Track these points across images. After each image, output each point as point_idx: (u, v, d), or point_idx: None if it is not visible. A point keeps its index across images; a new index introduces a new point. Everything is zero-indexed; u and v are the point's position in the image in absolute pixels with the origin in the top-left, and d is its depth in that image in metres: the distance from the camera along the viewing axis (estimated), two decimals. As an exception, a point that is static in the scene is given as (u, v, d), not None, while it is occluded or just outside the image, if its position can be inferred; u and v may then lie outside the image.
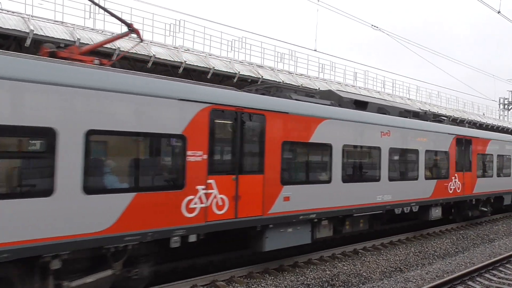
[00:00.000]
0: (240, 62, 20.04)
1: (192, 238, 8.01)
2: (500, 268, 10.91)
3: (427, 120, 15.30)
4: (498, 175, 18.92)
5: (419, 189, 13.86)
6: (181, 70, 16.95)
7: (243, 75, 19.00)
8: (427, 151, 14.22)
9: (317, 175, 10.68)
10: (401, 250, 12.79)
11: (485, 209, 17.79)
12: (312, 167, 10.64)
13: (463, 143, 16.23)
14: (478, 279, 9.94)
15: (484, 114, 42.98)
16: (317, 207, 10.37)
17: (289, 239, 9.96)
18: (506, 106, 51.71)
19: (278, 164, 9.56)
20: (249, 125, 9.08)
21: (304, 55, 24.25)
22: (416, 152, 13.78)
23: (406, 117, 14.09)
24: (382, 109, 13.33)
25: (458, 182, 15.77)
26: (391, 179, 12.64)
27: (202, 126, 8.13)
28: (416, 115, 14.97)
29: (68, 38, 14.37)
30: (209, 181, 8.18)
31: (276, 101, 9.81)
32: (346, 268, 10.62)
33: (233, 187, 8.59)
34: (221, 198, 8.35)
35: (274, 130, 9.50)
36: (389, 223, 15.75)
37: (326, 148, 10.75)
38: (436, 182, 14.61)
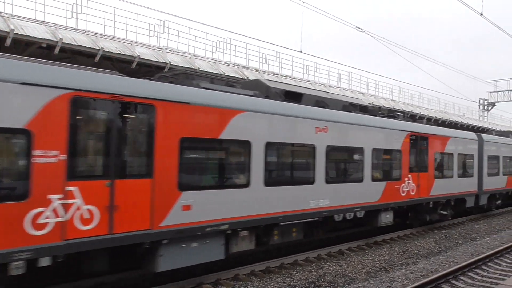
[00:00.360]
0: (226, 63, 19.99)
1: (45, 261, 6.39)
2: (483, 267, 11.09)
3: (376, 115, 13.98)
4: (460, 176, 17.56)
5: (365, 192, 12.49)
6: (166, 70, 16.81)
7: (229, 76, 18.95)
8: (374, 149, 12.81)
9: (230, 178, 8.97)
10: (385, 250, 12.90)
11: (445, 213, 16.59)
12: (223, 168, 8.91)
13: (418, 140, 14.93)
14: (462, 278, 10.08)
15: (464, 115, 43.78)
16: (230, 216, 8.80)
17: (194, 256, 8.43)
18: (485, 107, 52.76)
19: (175, 166, 7.90)
20: (132, 118, 7.46)
21: (289, 56, 24.35)
22: (361, 150, 12.36)
23: (351, 111, 12.66)
24: (321, 102, 11.86)
25: (412, 184, 14.49)
26: (329, 181, 11.22)
27: (59, 118, 6.44)
28: (364, 109, 13.53)
29: (50, 38, 14.11)
30: (69, 188, 6.53)
31: (172, 89, 8.10)
32: (332, 268, 10.67)
33: (107, 195, 6.94)
34: (88, 209, 6.73)
35: (169, 124, 7.84)
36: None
37: (243, 146, 9.13)
38: (386, 184, 13.27)
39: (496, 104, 52.53)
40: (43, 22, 14.86)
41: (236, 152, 9.22)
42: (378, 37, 19.29)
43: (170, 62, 16.79)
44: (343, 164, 12.01)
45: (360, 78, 29.69)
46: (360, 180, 12.34)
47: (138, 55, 15.85)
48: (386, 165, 13.51)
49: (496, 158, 21.12)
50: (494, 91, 51.73)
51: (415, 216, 15.93)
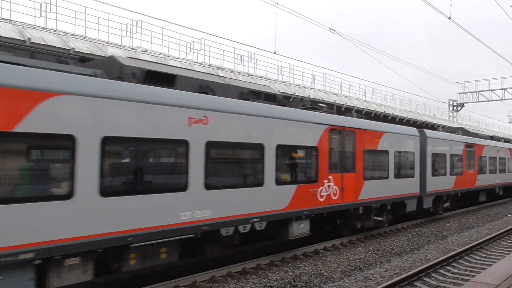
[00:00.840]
0: (200, 63, 19.85)
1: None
2: (454, 264, 11.35)
3: (286, 106, 11.60)
4: (397, 176, 15.44)
5: (267, 198, 10.15)
6: (138, 71, 16.52)
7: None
8: (280, 146, 10.52)
9: (37, 187, 6.44)
10: (360, 249, 13.05)
11: (380, 219, 14.65)
12: (24, 174, 6.36)
13: (342, 136, 12.77)
14: (433, 275, 10.29)
15: (435, 115, 44.92)
16: (39, 241, 6.33)
17: None
18: (455, 108, 54.23)
19: None
20: None
21: (263, 57, 24.44)
22: (260, 147, 9.97)
23: (249, 100, 10.39)
24: (206, 87, 9.55)
25: (335, 187, 12.30)
26: (210, 187, 8.83)
27: None
28: (270, 98, 11.23)
29: (17, 38, 13.67)
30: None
31: None
32: (307, 268, 10.71)
33: None
34: None
35: None
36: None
37: (61, 143, 6.72)
38: (297, 188, 10.99)
39: (465, 105, 54.08)
40: (10, 21, 14.40)
41: (48, 152, 6.88)
42: (351, 39, 19.53)
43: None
44: (232, 164, 9.78)
45: (334, 79, 30.04)
46: (259, 184, 9.98)
47: (111, 55, 15.52)
48: (297, 165, 11.27)
49: (443, 156, 19.29)
50: (463, 92, 53.24)
51: (345, 224, 14.00)
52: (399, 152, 15.69)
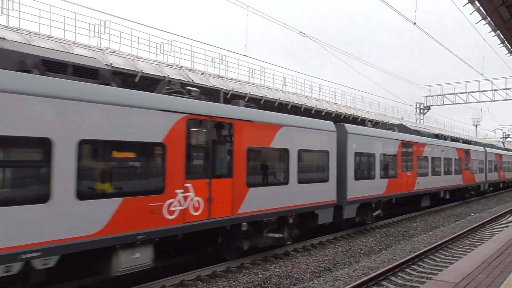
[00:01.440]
0: (170, 65, 19.65)
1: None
2: (419, 263, 11.64)
3: (112, 84, 8.27)
4: (302, 181, 12.31)
5: (59, 221, 6.87)
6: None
7: (173, 78, 18.63)
8: (84, 143, 7.26)
9: None
10: (329, 250, 13.19)
11: (279, 235, 11.70)
12: None
13: (209, 130, 9.75)
14: (400, 274, 10.51)
15: (402, 118, 45.99)
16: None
17: None
18: (421, 111, 55.75)
19: None
20: None
21: (234, 60, 24.38)
22: (43, 145, 6.76)
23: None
24: None
25: (196, 199, 9.20)
26: None
27: None
28: (85, 72, 7.95)
29: (-23, 36, 13.15)
30: None
31: None
32: (277, 270, 10.75)
33: None
34: None
35: None
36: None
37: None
38: (120, 204, 7.71)
39: (431, 107, 55.68)
40: (-30, 19, 13.86)
41: None
42: (320, 42, 19.79)
43: (112, 64, 16.24)
44: None
45: (304, 82, 30.32)
46: (43, 199, 6.72)
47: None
48: (121, 170, 8.17)
49: (370, 156, 16.21)
50: (429, 96, 54.79)
51: (227, 245, 10.97)
52: (307, 150, 12.71)
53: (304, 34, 17.72)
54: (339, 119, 29.35)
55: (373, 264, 11.52)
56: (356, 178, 15.23)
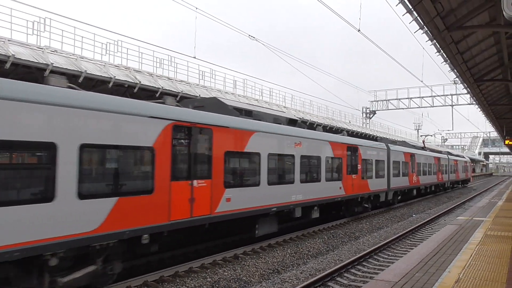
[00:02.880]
0: (116, 66, 19.09)
1: None
2: (364, 263, 12.01)
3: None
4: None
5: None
6: (47, 72, 15.50)
7: (119, 79, 18.13)
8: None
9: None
10: (278, 252, 13.31)
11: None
12: None
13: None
14: (345, 274, 10.79)
15: (350, 122, 47.48)
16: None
17: None
18: (367, 115, 57.83)
19: None
20: None
21: (184, 62, 24.11)
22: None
23: None
24: None
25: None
26: None
27: None
28: None
29: None
30: None
31: None
32: (226, 273, 10.70)
33: None
34: None
35: None
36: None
37: None
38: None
39: (377, 112, 57.92)
40: None
41: None
42: (270, 46, 19.99)
43: (53, 63, 15.53)
44: None
45: (254, 85, 30.55)
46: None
47: (13, 55, 14.37)
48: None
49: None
50: (374, 100, 56.97)
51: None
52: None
53: (254, 37, 17.84)
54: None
55: (320, 265, 11.74)
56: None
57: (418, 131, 77.57)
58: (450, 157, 43.86)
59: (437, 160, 37.13)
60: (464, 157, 53.61)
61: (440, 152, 43.30)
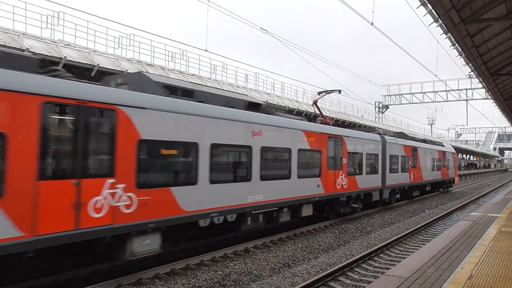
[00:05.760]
0: (128, 59, 19.18)
1: None
2: (375, 258, 11.95)
3: None
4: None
5: None
6: (60, 66, 15.63)
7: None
8: None
9: None
10: (289, 246, 13.31)
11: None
12: None
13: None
14: (356, 269, 10.75)
15: (362, 116, 47.11)
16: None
17: None
18: (380, 109, 57.31)
19: None
20: None
21: (195, 55, 24.15)
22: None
23: None
24: None
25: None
26: None
27: None
28: None
29: None
30: None
31: None
32: (237, 267, 10.73)
33: None
34: None
35: None
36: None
37: None
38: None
39: (390, 107, 57.38)
40: None
41: None
42: (282, 39, 19.88)
43: (66, 57, 15.65)
44: None
45: (266, 79, 30.45)
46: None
47: (27, 48, 14.51)
48: None
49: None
50: (387, 95, 56.42)
51: None
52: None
53: (266, 31, 17.75)
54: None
55: (331, 260, 11.72)
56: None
57: (431, 126, 76.74)
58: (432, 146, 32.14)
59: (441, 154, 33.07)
60: (443, 146, 37.13)
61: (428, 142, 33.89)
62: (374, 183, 20.17)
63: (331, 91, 19.74)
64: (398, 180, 23.38)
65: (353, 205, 18.65)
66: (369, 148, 19.79)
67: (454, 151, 39.46)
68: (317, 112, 24.50)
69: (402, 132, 28.11)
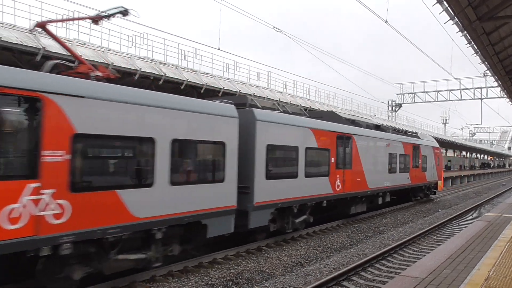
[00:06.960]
0: (142, 58, 19.29)
1: None
2: (389, 258, 11.87)
3: None
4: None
5: None
6: (76, 64, 15.75)
7: (145, 72, 18.30)
8: None
9: None
10: (302, 245, 13.28)
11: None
12: None
13: None
14: (369, 269, 10.69)
15: (375, 115, 46.77)
16: None
17: None
18: (393, 108, 56.82)
19: None
20: None
21: (208, 54, 24.19)
22: None
23: None
24: None
25: None
26: None
27: None
28: None
29: None
30: None
31: None
32: (250, 265, 10.75)
33: None
34: None
35: None
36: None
37: None
38: None
39: (403, 105, 56.83)
40: None
41: None
42: (295, 38, 19.84)
43: (81, 56, 15.76)
44: None
45: (279, 77, 30.38)
46: None
47: (44, 47, 14.67)
48: None
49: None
50: (400, 93, 55.89)
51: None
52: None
53: (279, 29, 17.71)
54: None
55: (344, 259, 11.67)
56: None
57: (445, 125, 75.90)
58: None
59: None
60: (417, 138, 25.80)
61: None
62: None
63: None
64: (291, 192, 13.32)
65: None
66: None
67: (437, 145, 28.24)
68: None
69: (331, 111, 20.83)
